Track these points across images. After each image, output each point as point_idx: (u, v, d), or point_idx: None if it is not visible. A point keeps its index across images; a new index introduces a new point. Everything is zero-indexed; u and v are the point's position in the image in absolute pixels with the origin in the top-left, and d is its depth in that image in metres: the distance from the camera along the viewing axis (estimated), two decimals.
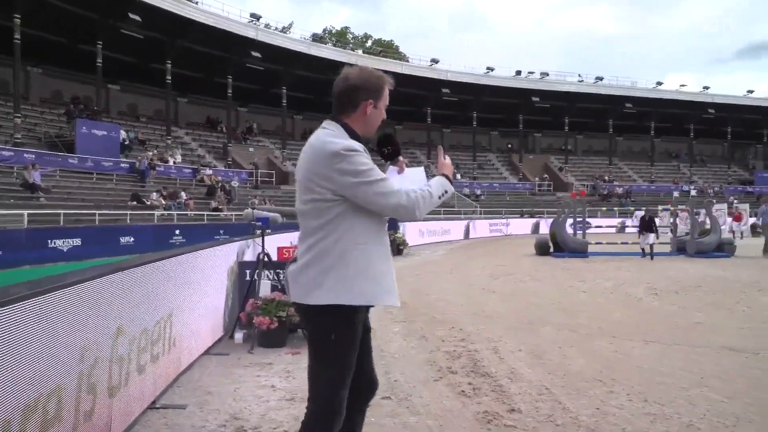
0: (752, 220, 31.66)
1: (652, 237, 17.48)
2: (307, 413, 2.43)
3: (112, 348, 3.41)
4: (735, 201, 32.30)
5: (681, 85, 51.79)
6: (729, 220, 27.52)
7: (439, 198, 2.42)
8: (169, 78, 32.10)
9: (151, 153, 28.64)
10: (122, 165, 26.74)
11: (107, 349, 3.35)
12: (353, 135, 2.42)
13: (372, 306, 2.46)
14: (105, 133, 26.61)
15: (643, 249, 17.48)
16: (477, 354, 5.80)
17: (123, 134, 28.20)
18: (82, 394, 3.00)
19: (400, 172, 2.54)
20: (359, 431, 2.63)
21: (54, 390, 2.67)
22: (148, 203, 23.69)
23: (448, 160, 2.60)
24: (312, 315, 2.39)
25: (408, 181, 2.48)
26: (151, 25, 29.24)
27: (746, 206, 32.96)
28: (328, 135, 2.40)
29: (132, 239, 17.72)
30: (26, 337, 2.39)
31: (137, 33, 29.39)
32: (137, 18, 28.10)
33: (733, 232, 25.95)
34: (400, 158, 2.56)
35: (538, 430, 3.81)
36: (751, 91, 51.94)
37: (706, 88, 51.49)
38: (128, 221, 20.72)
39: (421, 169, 2.61)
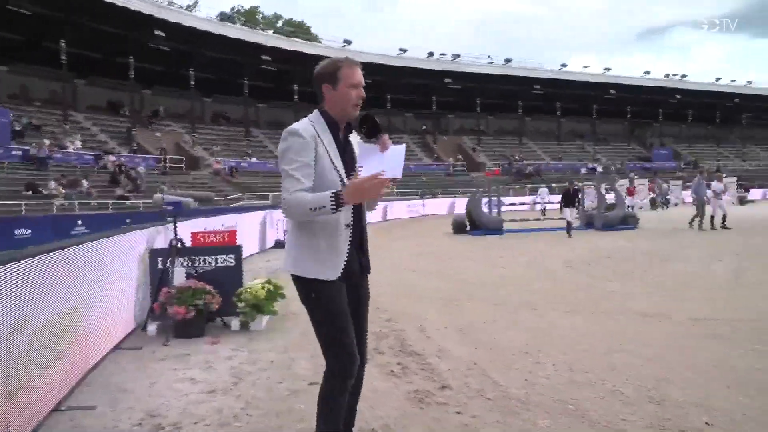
0: (651, 195, 33.65)
1: (573, 212, 17.33)
2: (325, 369, 2.65)
3: (7, 346, 3.06)
4: (635, 177, 34.21)
5: (584, 67, 54.15)
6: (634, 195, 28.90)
7: (311, 211, 2.41)
8: (65, 58, 30.01)
9: (48, 141, 26.66)
10: (14, 152, 24.80)
11: (2, 347, 2.99)
12: (328, 118, 2.64)
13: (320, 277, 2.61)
14: None
15: (568, 222, 17.18)
16: (404, 333, 5.72)
17: (11, 117, 26.06)
18: None
19: (383, 149, 2.54)
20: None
21: None
22: (46, 192, 22.13)
23: (367, 185, 2.37)
24: (294, 282, 2.69)
25: (387, 159, 2.50)
26: (42, 1, 27.14)
27: (645, 182, 34.98)
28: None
29: (28, 231, 16.41)
30: None
31: (26, 9, 27.20)
32: None
33: (632, 206, 27.32)
34: (383, 137, 2.56)
35: (469, 405, 3.76)
36: (648, 72, 55.05)
37: (608, 69, 54.05)
38: (23, 212, 19.25)
39: (401, 148, 2.56)
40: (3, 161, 23.95)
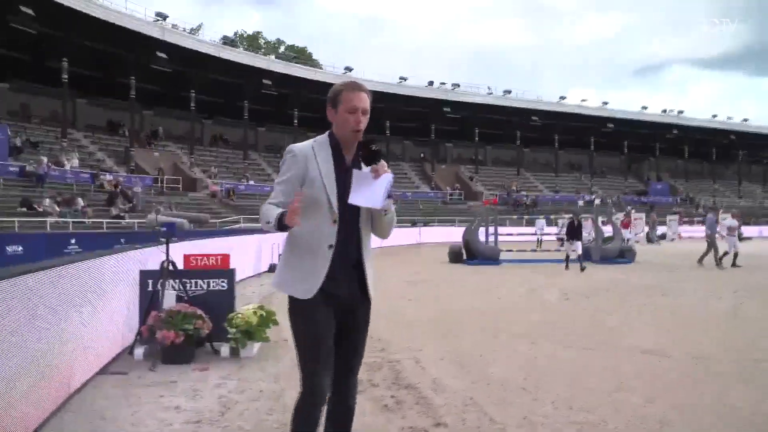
0: (647, 229, 33.59)
1: (580, 245, 16.36)
2: None
3: None
4: (632, 210, 34.18)
5: (582, 100, 54.56)
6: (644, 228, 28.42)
7: (266, 223, 2.51)
8: (66, 77, 30.09)
9: (45, 158, 26.54)
10: (11, 169, 24.69)
11: None
12: (333, 140, 2.65)
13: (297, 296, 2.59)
14: None
15: (568, 256, 16.43)
16: (398, 364, 5.57)
17: (9, 134, 26.01)
18: None
19: (375, 177, 2.52)
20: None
21: None
22: (41, 210, 21.96)
23: (296, 208, 2.38)
24: None
25: (374, 187, 2.49)
26: (46, 20, 27.33)
27: (642, 215, 34.95)
28: None
29: (20, 248, 16.23)
30: None
31: (29, 27, 27.35)
32: (29, 11, 26.15)
33: (627, 239, 27.12)
34: (378, 164, 2.54)
35: None
36: (645, 107, 55.51)
37: (605, 103, 54.49)
38: (16, 229, 19.07)
39: (385, 178, 2.52)
40: None
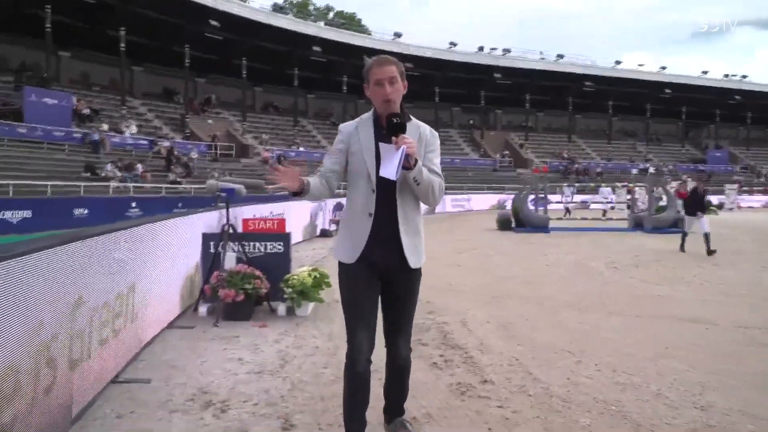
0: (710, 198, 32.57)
1: (706, 221, 12.59)
2: None
3: (71, 321, 3.25)
4: (689, 179, 33.07)
5: (639, 65, 52.61)
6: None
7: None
8: (123, 45, 30.91)
9: (106, 126, 27.61)
10: (75, 135, 25.76)
11: (67, 322, 3.18)
12: (375, 114, 2.85)
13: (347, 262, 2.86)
14: (56, 101, 25.52)
15: (686, 235, 13.06)
16: (446, 326, 5.79)
17: (80, 104, 27.11)
18: (41, 369, 2.85)
19: (397, 149, 2.60)
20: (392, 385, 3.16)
21: (10, 366, 2.51)
22: (103, 175, 22.95)
23: (279, 171, 2.72)
24: None
25: (395, 158, 2.59)
26: None
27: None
28: None
29: (86, 211, 17.16)
30: None
31: None
32: None
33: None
34: (398, 137, 2.63)
35: (511, 400, 3.80)
36: (705, 72, 53.20)
37: (663, 68, 52.44)
38: (82, 193, 20.05)
39: (400, 150, 2.59)
40: (64, 143, 24.91)
